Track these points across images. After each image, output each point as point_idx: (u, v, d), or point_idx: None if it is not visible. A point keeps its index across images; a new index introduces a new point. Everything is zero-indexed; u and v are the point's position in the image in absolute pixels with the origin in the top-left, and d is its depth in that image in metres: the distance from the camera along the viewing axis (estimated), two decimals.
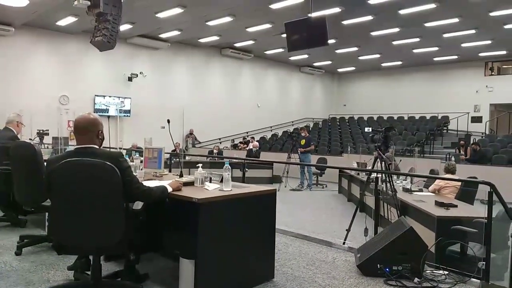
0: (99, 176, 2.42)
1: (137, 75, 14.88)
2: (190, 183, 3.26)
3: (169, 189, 2.88)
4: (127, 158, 3.62)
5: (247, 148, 14.55)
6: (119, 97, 14.46)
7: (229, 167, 3.10)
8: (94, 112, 13.36)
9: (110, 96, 14.26)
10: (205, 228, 2.76)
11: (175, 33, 13.96)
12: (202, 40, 15.36)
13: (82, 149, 2.58)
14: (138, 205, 2.80)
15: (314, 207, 8.61)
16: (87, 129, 2.62)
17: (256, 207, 3.17)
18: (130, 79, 14.79)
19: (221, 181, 3.29)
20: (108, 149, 2.72)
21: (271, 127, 19.39)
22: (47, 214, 3.90)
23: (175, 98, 15.86)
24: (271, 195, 3.30)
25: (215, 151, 13.10)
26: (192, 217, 2.74)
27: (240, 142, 17.16)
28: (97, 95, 14.02)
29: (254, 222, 3.15)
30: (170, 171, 5.62)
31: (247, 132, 18.13)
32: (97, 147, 2.62)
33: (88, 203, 2.43)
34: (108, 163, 2.42)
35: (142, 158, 4.14)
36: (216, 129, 16.91)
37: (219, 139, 17.06)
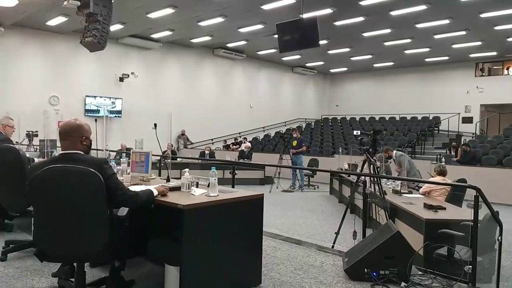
0: (81, 182, 2.40)
1: (128, 75, 14.78)
2: (177, 188, 3.24)
3: (155, 193, 2.87)
4: (113, 163, 3.59)
5: (239, 149, 14.53)
6: (110, 98, 14.36)
7: (216, 172, 3.08)
8: (85, 113, 13.48)
9: (101, 97, 14.15)
10: (191, 234, 2.74)
11: (166, 33, 13.89)
12: (194, 40, 15.30)
13: (66, 155, 2.55)
14: (123, 211, 2.77)
15: (305, 208, 8.60)
16: (69, 134, 2.60)
17: (243, 212, 3.15)
18: (121, 79, 14.69)
19: (208, 185, 3.27)
20: (92, 156, 2.70)
21: (263, 127, 19.38)
22: (33, 219, 3.85)
23: (167, 98, 15.79)
24: (258, 200, 3.28)
25: (206, 151, 13.05)
26: (177, 223, 2.72)
27: (232, 143, 17.13)
28: (88, 96, 13.90)
29: (241, 227, 3.13)
30: (159, 174, 5.60)
31: (239, 133, 18.09)
32: (81, 153, 2.59)
33: (70, 210, 2.41)
34: (91, 169, 2.39)
35: (129, 160, 4.11)
36: (208, 129, 16.86)
37: (211, 139, 17.01)
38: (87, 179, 2.39)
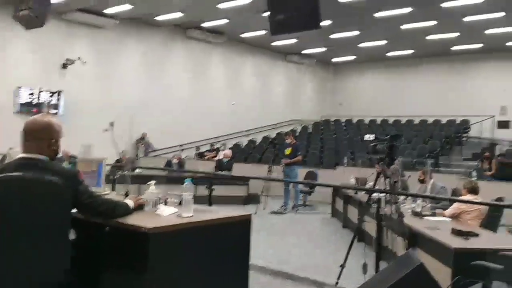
0: (43, 197, 2.43)
1: (73, 61, 14.67)
2: (139, 206, 3.21)
3: (131, 205, 3.04)
4: None
5: (217, 159, 14.50)
6: (49, 91, 14.20)
7: (192, 185, 3.09)
8: (19, 110, 13.26)
9: (38, 89, 13.99)
10: (157, 266, 2.73)
11: (125, 7, 13.86)
12: (161, 18, 15.30)
13: (27, 161, 2.58)
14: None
15: (301, 235, 8.63)
16: (34, 135, 2.64)
17: (225, 238, 3.17)
18: (64, 66, 14.58)
19: (180, 203, 3.28)
20: (62, 165, 2.78)
21: (247, 131, 19.41)
22: None
23: (123, 92, 15.69)
24: (245, 222, 3.31)
25: (174, 161, 12.97)
26: (140, 251, 2.72)
27: (208, 151, 17.09)
28: (21, 87, 13.74)
29: (222, 257, 3.15)
30: (113, 189, 5.54)
31: (216, 137, 18.10)
32: (46, 159, 2.64)
33: (22, 234, 2.39)
34: (58, 181, 2.44)
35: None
36: (177, 133, 16.78)
37: (181, 145, 16.96)
38: (52, 193, 2.43)
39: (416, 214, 5.92)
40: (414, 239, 5.20)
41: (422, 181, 7.59)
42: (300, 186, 11.50)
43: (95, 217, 2.80)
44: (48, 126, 2.70)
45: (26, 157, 2.61)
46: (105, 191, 3.94)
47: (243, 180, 11.66)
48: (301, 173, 11.86)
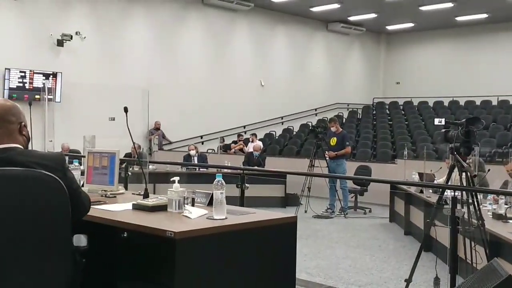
0: (33, 197, 2.39)
1: (71, 37, 14.83)
2: (161, 207, 3.28)
3: None
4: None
5: (246, 151, 14.52)
6: (43, 73, 14.41)
7: (223, 182, 3.11)
8: (9, 95, 13.50)
9: (30, 70, 14.22)
10: (186, 278, 2.75)
11: None
12: None
13: (2, 152, 2.54)
14: (80, 240, 2.79)
15: (352, 244, 8.62)
16: (2, 119, 2.61)
17: (266, 245, 3.18)
18: (60, 43, 14.75)
19: (210, 203, 3.30)
20: (43, 151, 2.77)
21: (281, 118, 19.42)
22: None
23: (130, 72, 15.80)
24: (289, 226, 3.31)
25: (191, 152, 12.98)
26: (165, 261, 2.75)
27: (234, 141, 17.14)
28: (10, 69, 13.99)
29: (263, 268, 3.16)
30: (126, 187, 5.64)
31: (244, 127, 18.16)
32: (21, 147, 2.62)
33: (9, 250, 2.36)
34: (49, 173, 2.41)
35: (82, 168, 4.17)
36: (196, 122, 16.92)
37: (201, 137, 17.06)
38: (44, 191, 2.40)
39: (499, 217, 5.84)
40: (497, 248, 5.14)
41: None
42: (349, 183, 11.44)
43: (80, 212, 2.67)
44: (14, 107, 2.70)
45: (1, 148, 2.56)
46: (119, 190, 4.00)
47: (281, 177, 11.67)
48: (349, 167, 11.80)
